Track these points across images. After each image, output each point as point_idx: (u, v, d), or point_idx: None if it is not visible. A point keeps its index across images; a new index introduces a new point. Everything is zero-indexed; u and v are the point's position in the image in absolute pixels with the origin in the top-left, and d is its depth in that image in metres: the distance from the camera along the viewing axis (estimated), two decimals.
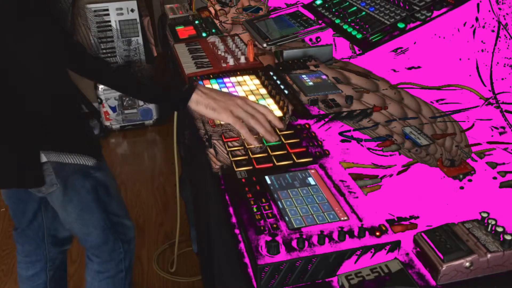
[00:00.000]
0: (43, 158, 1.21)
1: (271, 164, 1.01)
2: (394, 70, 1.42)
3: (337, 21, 1.56)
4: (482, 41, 1.25)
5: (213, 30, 1.82)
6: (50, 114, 1.19)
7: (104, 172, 1.39)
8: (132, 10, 3.28)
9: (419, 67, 1.39)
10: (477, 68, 1.27)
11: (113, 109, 3.38)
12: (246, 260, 0.82)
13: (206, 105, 1.11)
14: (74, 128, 1.27)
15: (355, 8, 1.57)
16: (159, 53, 3.38)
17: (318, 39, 1.61)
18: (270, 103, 1.26)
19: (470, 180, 0.98)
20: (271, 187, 0.93)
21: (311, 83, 1.34)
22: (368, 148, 1.08)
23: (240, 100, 1.12)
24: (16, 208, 1.56)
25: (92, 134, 1.39)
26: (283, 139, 1.10)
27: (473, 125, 1.17)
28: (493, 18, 1.21)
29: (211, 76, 1.42)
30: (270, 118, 1.12)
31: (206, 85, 1.33)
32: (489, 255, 0.76)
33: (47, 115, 1.19)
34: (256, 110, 1.12)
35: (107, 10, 3.24)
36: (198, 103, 1.11)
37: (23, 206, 1.55)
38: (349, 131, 1.15)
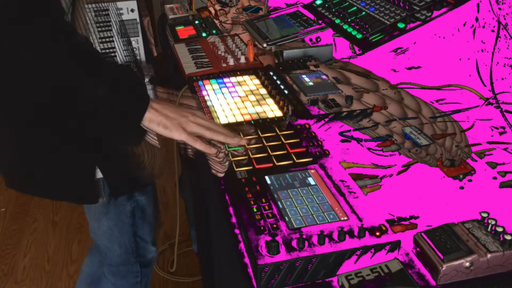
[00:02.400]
0: (99, 174, 1.20)
1: (271, 164, 1.01)
2: (394, 70, 1.42)
3: (337, 21, 1.56)
4: (482, 41, 1.25)
5: (214, 32, 1.82)
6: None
7: (148, 196, 1.40)
8: (132, 10, 3.28)
9: (419, 67, 1.39)
10: (477, 68, 1.27)
11: None
12: (246, 260, 0.82)
13: (158, 123, 1.04)
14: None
15: (355, 8, 1.57)
16: (159, 53, 3.38)
17: (318, 39, 1.61)
18: (270, 103, 1.26)
19: (470, 180, 0.98)
20: (271, 187, 0.93)
21: (311, 83, 1.34)
22: (368, 148, 1.08)
23: (192, 116, 1.06)
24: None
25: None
26: (283, 139, 1.10)
27: (473, 125, 1.17)
28: (493, 18, 1.21)
29: (211, 76, 1.42)
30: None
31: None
32: (489, 255, 0.76)
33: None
34: (209, 121, 1.08)
35: (107, 10, 3.24)
36: (150, 121, 1.04)
37: None
38: (349, 131, 1.15)
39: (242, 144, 1.06)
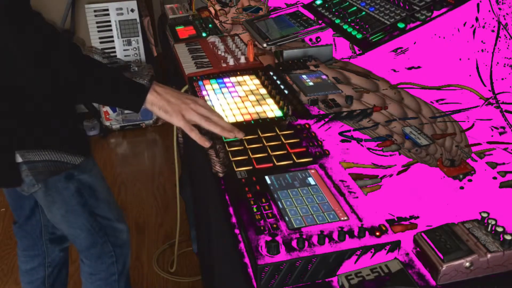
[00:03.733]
0: (18, 159, 1.19)
1: (271, 164, 1.01)
2: (394, 70, 1.42)
3: (337, 21, 1.56)
4: (482, 41, 1.25)
5: (210, 26, 1.81)
6: (33, 111, 1.18)
7: (90, 174, 1.37)
8: (132, 10, 3.28)
9: (419, 67, 1.39)
10: (477, 68, 1.27)
11: (113, 109, 3.38)
12: (246, 260, 0.82)
13: (160, 107, 1.08)
14: (56, 125, 1.25)
15: (355, 8, 1.57)
16: (159, 53, 3.38)
17: (318, 39, 1.61)
18: (270, 103, 1.26)
19: (470, 180, 0.98)
20: (271, 187, 0.93)
21: (311, 83, 1.34)
22: (368, 148, 1.08)
23: (193, 104, 1.09)
24: (15, 203, 1.57)
25: (78, 132, 1.37)
26: (283, 139, 1.10)
27: (473, 125, 1.17)
28: (493, 18, 1.21)
29: (211, 76, 1.42)
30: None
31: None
32: (489, 255, 0.76)
33: (30, 112, 1.18)
34: (210, 111, 1.10)
35: (107, 10, 3.25)
36: (152, 104, 1.09)
37: (21, 201, 1.55)
38: (349, 131, 1.15)
39: (239, 137, 1.07)
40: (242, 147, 1.07)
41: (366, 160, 1.04)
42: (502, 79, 1.21)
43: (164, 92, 1.10)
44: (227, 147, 1.08)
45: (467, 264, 0.76)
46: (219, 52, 1.60)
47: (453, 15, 1.29)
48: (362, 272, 0.79)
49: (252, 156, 1.04)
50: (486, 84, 1.25)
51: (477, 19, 1.25)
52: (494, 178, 0.99)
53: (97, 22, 3.29)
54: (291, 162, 1.02)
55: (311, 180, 0.95)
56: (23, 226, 1.61)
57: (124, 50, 3.30)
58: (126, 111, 3.41)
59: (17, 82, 1.11)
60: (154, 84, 1.10)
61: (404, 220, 0.88)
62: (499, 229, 0.79)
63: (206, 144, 1.06)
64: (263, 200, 0.89)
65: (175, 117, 1.08)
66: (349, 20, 1.53)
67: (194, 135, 1.07)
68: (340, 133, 1.14)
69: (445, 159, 1.03)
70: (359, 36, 1.43)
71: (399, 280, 0.77)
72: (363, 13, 1.52)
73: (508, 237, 0.77)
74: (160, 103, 1.08)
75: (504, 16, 1.18)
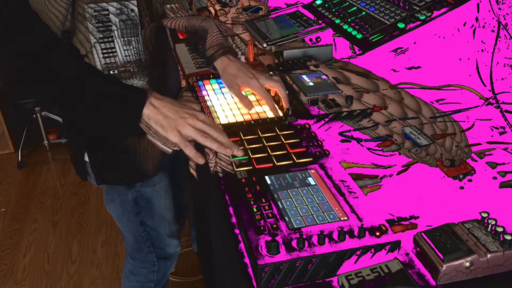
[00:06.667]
0: (85, 158, 1.29)
1: (271, 164, 1.01)
2: (394, 70, 1.42)
3: (337, 21, 1.56)
4: (482, 41, 1.25)
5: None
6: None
7: (153, 188, 1.41)
8: (132, 10, 3.28)
9: (419, 67, 1.39)
10: (477, 68, 1.27)
11: None
12: (246, 260, 0.82)
13: (156, 121, 1.04)
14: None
15: (355, 8, 1.57)
16: None
17: (318, 39, 1.61)
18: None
19: (470, 180, 0.98)
20: (271, 187, 0.93)
21: (311, 83, 1.34)
22: (368, 148, 1.08)
23: (191, 118, 1.03)
24: None
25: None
26: (283, 139, 1.10)
27: (473, 125, 1.17)
28: (493, 18, 1.21)
29: (211, 76, 1.42)
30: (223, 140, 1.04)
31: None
32: (489, 255, 0.76)
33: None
34: (209, 125, 1.04)
35: (107, 10, 3.25)
36: (149, 118, 1.04)
37: None
38: (349, 131, 1.15)
39: (238, 155, 1.03)
40: (242, 147, 1.07)
41: (366, 160, 1.04)
42: (502, 79, 1.21)
43: (162, 105, 1.05)
44: (230, 157, 1.07)
45: (467, 264, 0.76)
46: None
47: (453, 15, 1.29)
48: (362, 272, 0.79)
49: (252, 156, 1.04)
50: (486, 84, 1.25)
51: (477, 19, 1.25)
52: (494, 178, 0.99)
53: (97, 22, 3.30)
54: (291, 162, 1.02)
55: (311, 180, 0.95)
56: None
57: (124, 50, 3.30)
58: None
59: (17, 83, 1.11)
60: (151, 97, 1.06)
61: (404, 220, 0.88)
62: (499, 229, 0.79)
63: (199, 160, 1.02)
64: (263, 200, 0.89)
65: (170, 132, 1.03)
66: (349, 20, 1.53)
67: (188, 151, 1.02)
68: (340, 133, 1.14)
69: (445, 159, 1.03)
70: (359, 36, 1.43)
71: (399, 280, 0.77)
72: (363, 13, 1.52)
73: (508, 237, 0.77)
74: (156, 118, 1.04)
75: (504, 16, 1.18)
